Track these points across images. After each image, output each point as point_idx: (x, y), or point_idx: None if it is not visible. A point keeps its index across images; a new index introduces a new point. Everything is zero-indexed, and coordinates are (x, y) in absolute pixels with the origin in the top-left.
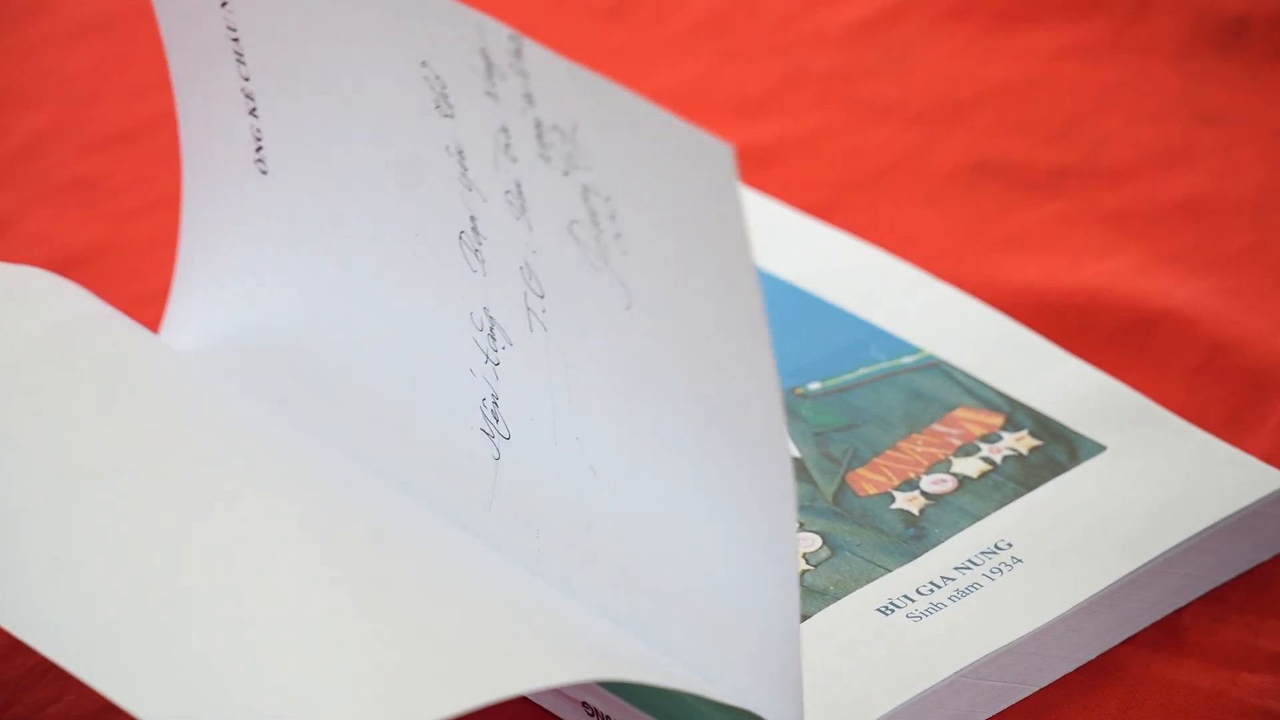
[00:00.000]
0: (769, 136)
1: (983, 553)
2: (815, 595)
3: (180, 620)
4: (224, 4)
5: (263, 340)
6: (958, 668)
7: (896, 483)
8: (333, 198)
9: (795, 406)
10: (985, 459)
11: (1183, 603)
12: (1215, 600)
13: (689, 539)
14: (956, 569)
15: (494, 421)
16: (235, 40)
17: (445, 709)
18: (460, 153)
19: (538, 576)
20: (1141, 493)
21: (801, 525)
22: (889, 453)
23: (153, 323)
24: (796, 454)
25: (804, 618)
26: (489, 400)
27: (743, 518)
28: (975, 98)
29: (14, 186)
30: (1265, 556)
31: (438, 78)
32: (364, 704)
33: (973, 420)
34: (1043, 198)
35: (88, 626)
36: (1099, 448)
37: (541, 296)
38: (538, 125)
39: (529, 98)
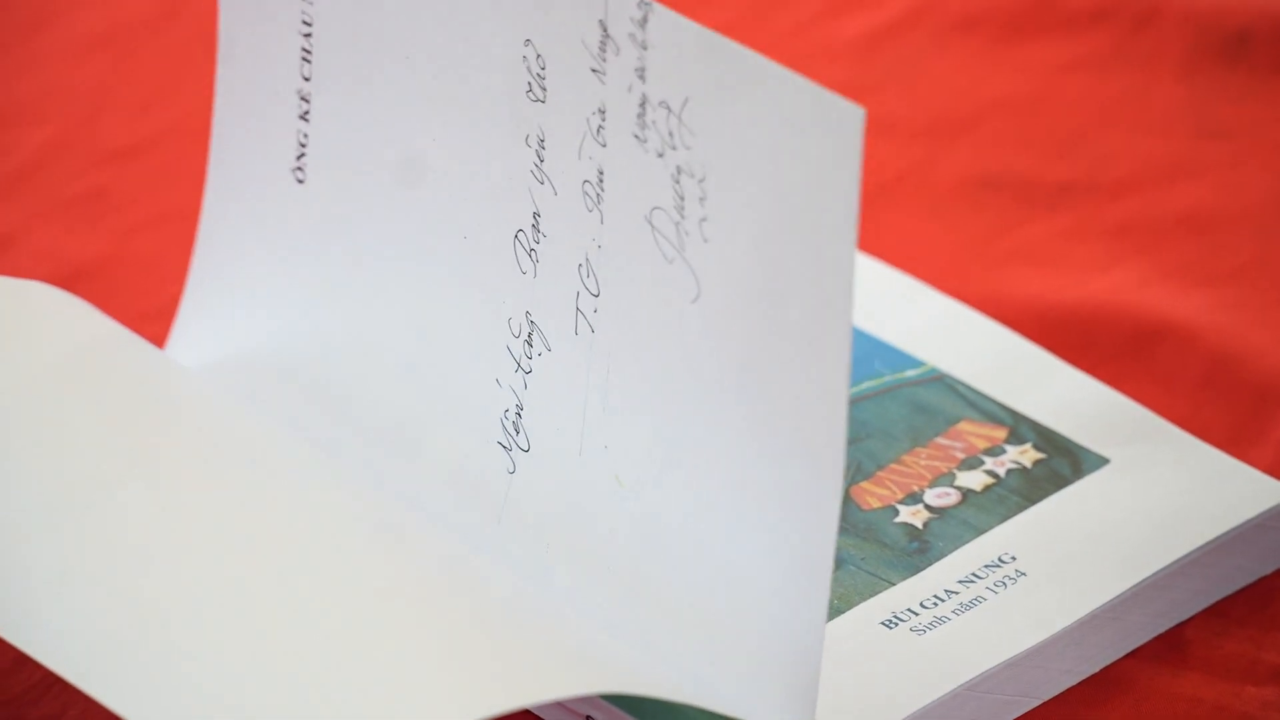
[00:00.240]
0: None
1: (986, 566)
2: None
3: (186, 634)
4: None
5: (274, 354)
6: (961, 681)
7: (900, 496)
8: (371, 206)
9: None
10: (989, 472)
11: (1186, 616)
12: (1218, 613)
13: (717, 548)
14: (960, 582)
15: (514, 434)
16: (307, 35)
17: None
18: (541, 141)
19: (544, 589)
20: (1145, 506)
21: None
22: (893, 466)
23: (157, 338)
24: None
25: None
26: (511, 411)
27: (782, 522)
28: (980, 112)
29: (19, 201)
30: (1268, 570)
31: (539, 57)
32: (369, 718)
33: (976, 433)
34: (1047, 211)
35: (94, 640)
36: (1102, 461)
37: (595, 295)
38: (642, 103)
39: (640, 72)
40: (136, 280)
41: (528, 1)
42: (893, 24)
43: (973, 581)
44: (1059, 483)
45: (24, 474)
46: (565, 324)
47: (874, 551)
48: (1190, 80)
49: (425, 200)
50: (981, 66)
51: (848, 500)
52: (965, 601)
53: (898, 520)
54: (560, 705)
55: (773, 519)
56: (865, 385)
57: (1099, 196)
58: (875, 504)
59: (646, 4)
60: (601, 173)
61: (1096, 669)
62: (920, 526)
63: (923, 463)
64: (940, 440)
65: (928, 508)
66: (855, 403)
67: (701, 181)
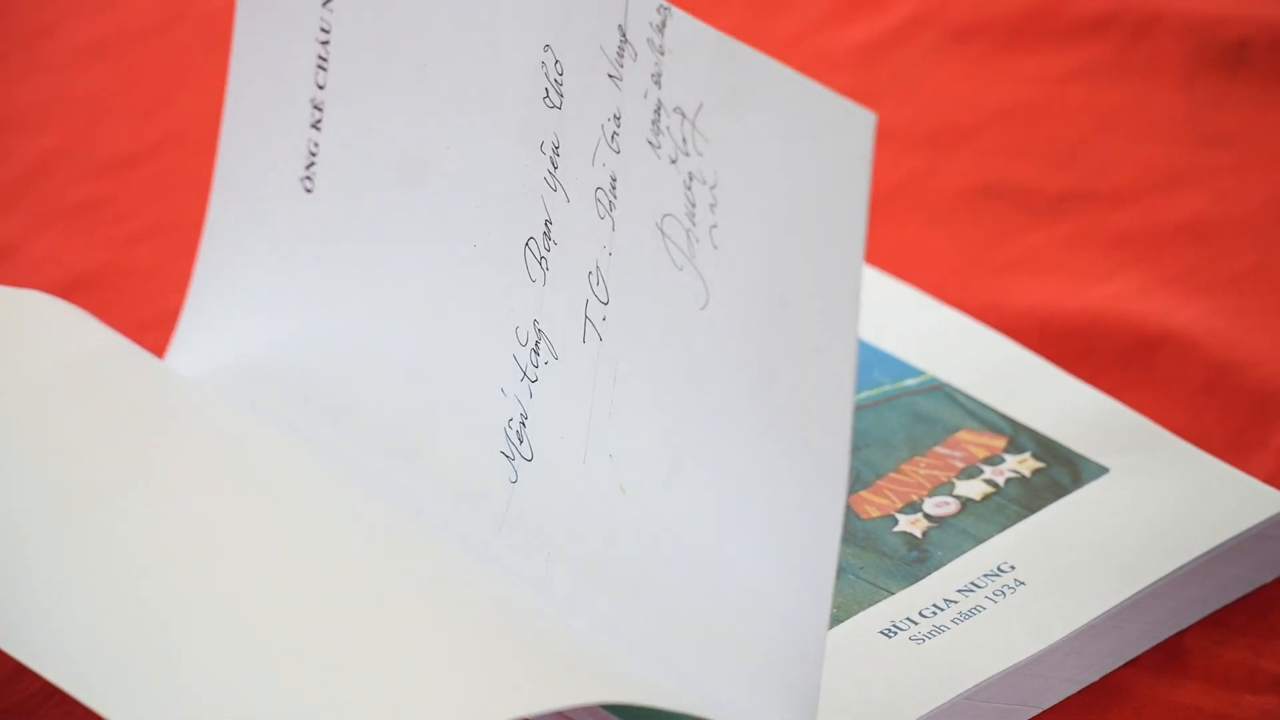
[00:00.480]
0: None
1: (985, 575)
2: None
3: (184, 643)
4: (326, 2)
5: (276, 363)
6: (960, 690)
7: (899, 505)
8: (379, 215)
9: None
10: (988, 481)
11: (1185, 625)
12: (1218, 622)
13: (720, 555)
14: (959, 591)
15: (517, 443)
16: (325, 44)
17: None
18: (555, 148)
19: (545, 598)
20: (1144, 515)
21: None
22: (892, 475)
23: (157, 347)
24: None
25: None
26: (516, 420)
27: (787, 529)
28: (980, 121)
29: (19, 210)
30: (1268, 578)
31: (557, 63)
32: None
33: (975, 442)
34: (1047, 220)
35: (92, 650)
36: (1101, 470)
37: (605, 303)
38: (657, 109)
39: (657, 78)
40: (136, 288)
41: (550, 7)
42: (893, 33)
43: (972, 590)
44: (1058, 492)
45: (23, 483)
46: (574, 332)
47: (873, 560)
48: (1190, 89)
49: (434, 209)
50: (982, 75)
51: (847, 509)
52: (964, 610)
53: (897, 529)
54: (558, 713)
55: (777, 527)
56: (864, 394)
57: (1099, 205)
58: (874, 513)
59: (665, 8)
60: (614, 179)
61: (1096, 678)
62: (919, 535)
63: (922, 472)
64: (939, 449)
65: (927, 517)
66: (854, 412)
67: (713, 188)
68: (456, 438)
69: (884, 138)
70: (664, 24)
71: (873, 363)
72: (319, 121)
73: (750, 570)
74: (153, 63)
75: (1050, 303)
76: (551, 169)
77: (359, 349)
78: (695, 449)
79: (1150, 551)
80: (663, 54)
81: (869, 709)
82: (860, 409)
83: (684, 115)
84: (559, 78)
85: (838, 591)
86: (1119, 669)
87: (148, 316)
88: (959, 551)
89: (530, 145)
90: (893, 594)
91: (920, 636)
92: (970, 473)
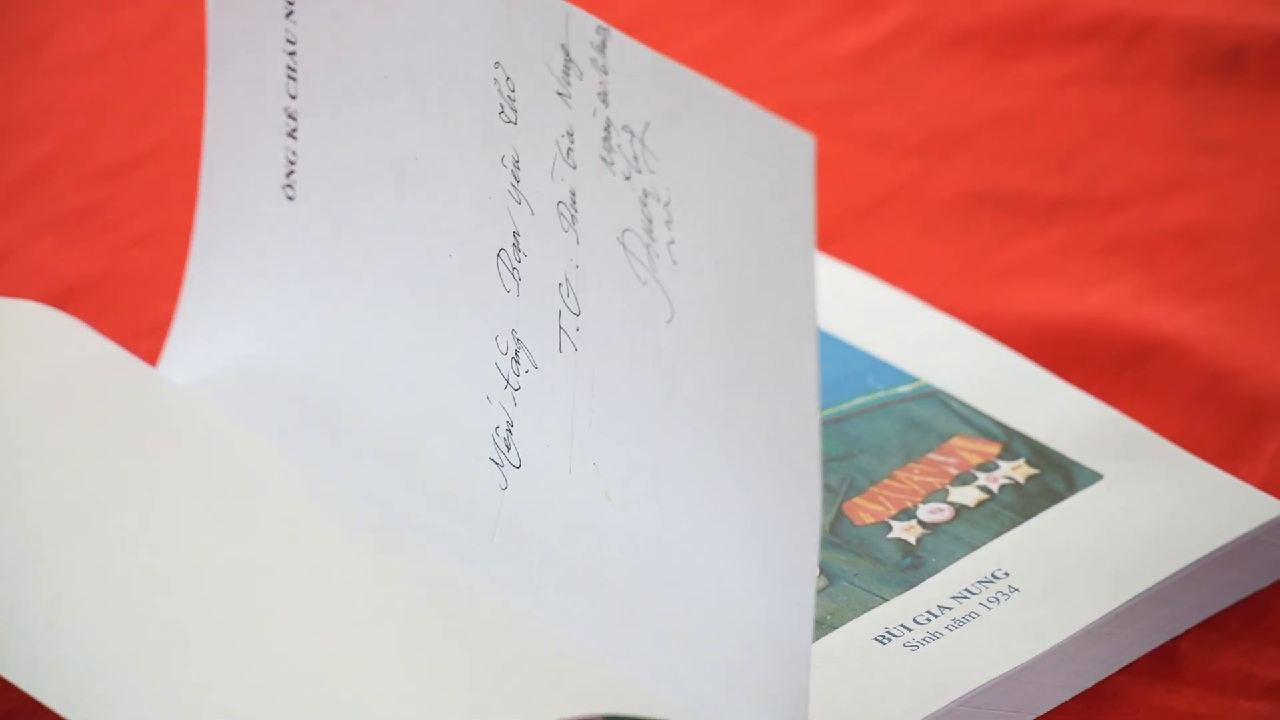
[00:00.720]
0: None
1: (980, 582)
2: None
3: (177, 655)
4: (289, 14)
5: (266, 371)
6: (955, 697)
7: (893, 512)
8: (360, 224)
9: None
10: (982, 488)
11: (1180, 631)
12: (1213, 628)
13: (702, 564)
14: (953, 598)
15: (505, 450)
16: (291, 54)
17: None
18: (516, 162)
19: (537, 605)
20: (1139, 521)
21: None
22: (886, 482)
23: (152, 354)
24: None
25: None
26: (503, 428)
27: (765, 536)
28: (973, 127)
29: (14, 217)
30: (1262, 584)
31: (508, 79)
32: None
33: (969, 449)
34: (1041, 227)
35: (83, 666)
36: (1096, 476)
37: (577, 314)
38: (606, 126)
39: (603, 96)
40: (132, 295)
41: (494, 24)
42: (887, 39)
43: (966, 597)
44: (1052, 498)
45: (15, 494)
46: (550, 342)
47: (867, 567)
48: (1185, 95)
49: (410, 218)
50: (976, 81)
51: (840, 516)
52: (959, 617)
53: (891, 536)
54: None
55: (754, 534)
56: (858, 401)
57: (1094, 211)
58: (868, 520)
59: (604, 29)
60: (574, 194)
61: (1091, 684)
62: (913, 542)
63: (916, 478)
64: (933, 456)
65: (921, 523)
66: (848, 418)
67: (667, 205)
68: (446, 444)
69: (878, 143)
70: (604, 44)
71: (866, 369)
72: (294, 131)
73: (732, 579)
74: (149, 70)
75: (1044, 309)
76: (514, 182)
77: (346, 355)
78: (673, 460)
79: (1145, 558)
80: (606, 73)
81: (863, 715)
82: (854, 415)
83: (632, 133)
84: (511, 94)
85: (831, 598)
86: (1114, 675)
87: (144, 323)
88: (953, 558)
89: (492, 158)
90: (887, 600)
91: (915, 643)
92: (964, 479)
